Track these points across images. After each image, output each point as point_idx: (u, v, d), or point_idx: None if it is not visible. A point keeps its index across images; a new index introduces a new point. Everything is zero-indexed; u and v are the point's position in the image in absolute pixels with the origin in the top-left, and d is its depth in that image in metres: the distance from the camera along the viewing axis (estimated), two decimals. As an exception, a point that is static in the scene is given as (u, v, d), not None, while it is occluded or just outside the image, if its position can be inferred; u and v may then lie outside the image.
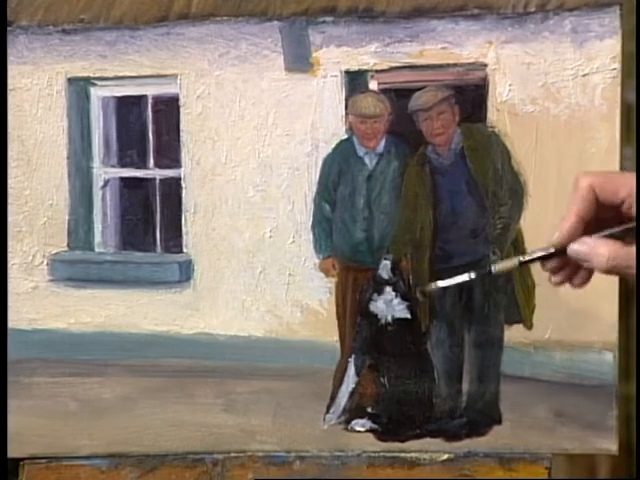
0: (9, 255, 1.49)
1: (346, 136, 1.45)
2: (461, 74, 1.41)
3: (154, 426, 1.48)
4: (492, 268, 1.15)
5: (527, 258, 1.15)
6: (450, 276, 1.45)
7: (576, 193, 1.12)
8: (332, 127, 1.44)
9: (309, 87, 1.44)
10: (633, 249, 1.09)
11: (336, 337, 1.46)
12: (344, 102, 1.44)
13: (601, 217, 1.13)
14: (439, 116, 1.42)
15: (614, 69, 1.37)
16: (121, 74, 1.47)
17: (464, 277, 1.15)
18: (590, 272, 1.15)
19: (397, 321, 1.45)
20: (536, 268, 1.42)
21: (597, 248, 1.11)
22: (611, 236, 1.11)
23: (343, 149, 1.45)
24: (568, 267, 1.15)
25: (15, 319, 1.49)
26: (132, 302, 1.49)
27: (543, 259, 1.15)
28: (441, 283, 1.17)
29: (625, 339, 1.39)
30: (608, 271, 1.11)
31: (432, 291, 1.24)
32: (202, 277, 1.48)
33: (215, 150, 1.46)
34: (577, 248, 1.12)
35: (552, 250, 1.14)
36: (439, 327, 1.45)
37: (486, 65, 1.40)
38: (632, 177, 1.13)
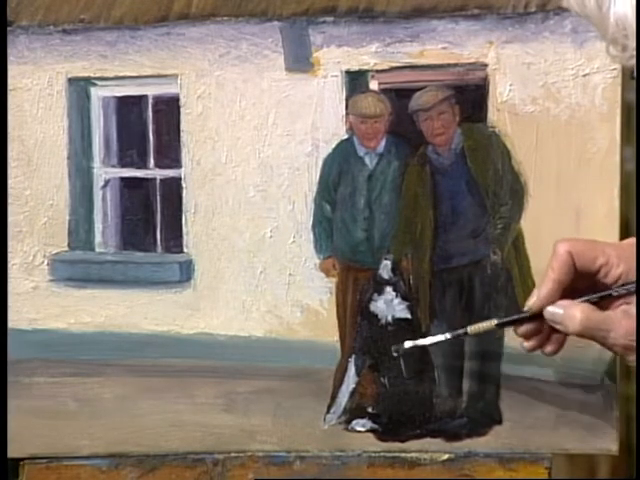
0: (9, 255, 1.49)
1: (346, 136, 1.45)
2: (461, 74, 1.41)
3: (154, 426, 1.48)
4: (468, 329, 1.18)
5: (503, 320, 1.18)
6: (450, 276, 1.46)
7: (554, 259, 1.15)
8: (332, 127, 1.44)
9: (309, 87, 1.44)
10: (606, 314, 1.13)
11: (336, 337, 1.46)
12: (344, 102, 1.44)
13: (576, 286, 1.16)
14: (439, 116, 1.42)
15: (614, 69, 1.37)
16: (121, 74, 1.47)
17: (439, 338, 1.19)
18: (563, 340, 1.18)
19: (397, 321, 1.45)
20: (536, 267, 1.43)
21: (571, 311, 1.14)
22: (587, 302, 1.14)
23: (343, 149, 1.45)
24: (541, 333, 1.18)
25: (15, 319, 1.49)
26: (132, 302, 1.49)
27: (519, 322, 1.18)
28: (420, 342, 1.20)
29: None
30: (580, 334, 1.14)
31: (407, 351, 1.26)
32: (202, 277, 1.48)
33: (215, 150, 1.46)
34: (553, 310, 1.15)
35: (528, 314, 1.16)
36: (439, 327, 1.45)
37: (486, 65, 1.40)
38: (611, 246, 1.15)
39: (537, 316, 1.16)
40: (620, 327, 1.12)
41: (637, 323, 1.12)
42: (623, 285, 1.13)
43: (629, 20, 0.97)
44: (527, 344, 1.18)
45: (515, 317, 1.17)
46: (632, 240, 1.19)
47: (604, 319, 1.12)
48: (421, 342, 1.23)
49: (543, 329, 1.17)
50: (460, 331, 1.20)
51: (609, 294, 1.14)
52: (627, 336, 1.11)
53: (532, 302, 1.15)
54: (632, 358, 1.13)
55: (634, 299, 1.13)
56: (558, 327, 1.14)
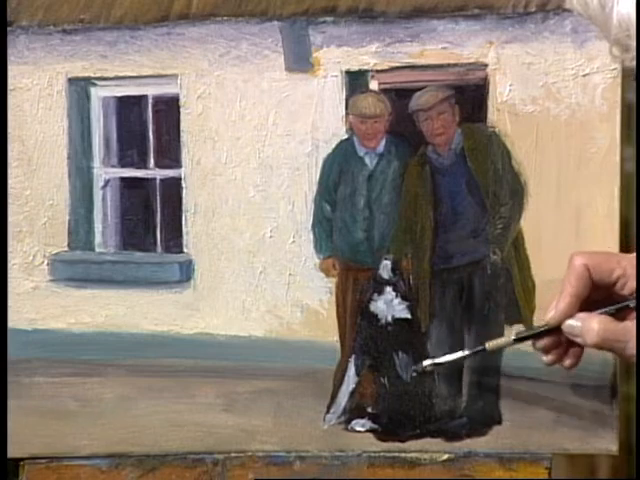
0: (9, 255, 1.49)
1: (346, 136, 1.45)
2: (461, 74, 1.41)
3: (154, 426, 1.48)
4: (486, 346, 1.18)
5: (521, 335, 1.18)
6: (450, 276, 1.46)
7: (571, 272, 1.15)
8: (332, 127, 1.44)
9: (309, 87, 1.44)
10: (623, 325, 1.13)
11: (336, 337, 1.46)
12: (344, 102, 1.44)
13: (592, 297, 1.16)
14: (439, 116, 1.42)
15: (614, 69, 1.37)
16: (121, 74, 1.47)
17: (458, 354, 1.19)
18: (580, 353, 1.18)
19: (397, 321, 1.45)
20: (536, 267, 1.43)
21: (589, 323, 1.14)
22: (604, 314, 1.15)
23: (343, 149, 1.45)
24: (560, 347, 1.18)
25: (15, 319, 1.49)
26: (132, 302, 1.49)
27: (537, 336, 1.18)
28: (438, 360, 1.20)
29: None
30: (598, 345, 1.14)
31: (425, 369, 1.26)
32: (202, 277, 1.48)
33: (215, 150, 1.46)
34: (572, 324, 1.15)
35: (547, 327, 1.17)
36: (439, 327, 1.45)
37: (486, 65, 1.40)
38: (626, 257, 1.16)
39: (555, 329, 1.16)
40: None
41: (637, 322, 1.12)
42: None
43: (632, 21, 0.97)
44: (546, 358, 1.18)
45: (534, 331, 1.17)
46: None
47: (622, 330, 1.12)
48: (439, 360, 1.23)
49: (561, 342, 1.17)
50: (478, 348, 1.21)
51: (626, 305, 1.14)
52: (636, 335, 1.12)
53: (550, 316, 1.15)
54: None
55: None
56: (577, 340, 1.14)
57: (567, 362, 1.18)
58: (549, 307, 1.16)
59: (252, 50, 1.44)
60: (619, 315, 1.14)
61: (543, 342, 1.17)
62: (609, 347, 1.13)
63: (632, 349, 1.12)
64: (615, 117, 1.38)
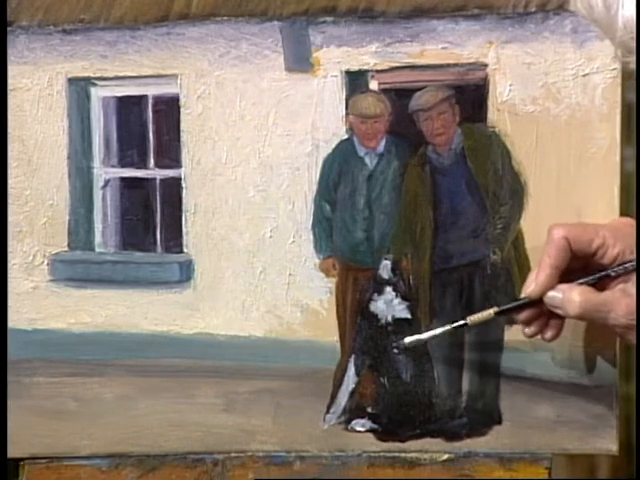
0: (9, 255, 1.49)
1: (346, 136, 1.45)
2: (461, 74, 1.41)
3: (154, 426, 1.48)
4: (468, 320, 1.19)
5: (502, 308, 1.19)
6: (450, 276, 1.46)
7: (550, 244, 1.16)
8: (332, 127, 1.44)
9: (309, 87, 1.44)
10: (604, 295, 1.14)
11: (336, 337, 1.46)
12: (344, 102, 1.44)
13: (571, 268, 1.16)
14: (439, 116, 1.42)
15: (614, 69, 1.37)
16: (121, 74, 1.47)
17: (440, 330, 1.20)
18: (561, 324, 1.19)
19: (397, 321, 1.45)
20: (536, 267, 1.42)
21: (570, 294, 1.14)
22: (585, 284, 1.15)
23: (343, 149, 1.45)
24: (540, 319, 1.19)
25: (15, 319, 1.49)
26: (132, 302, 1.49)
27: (518, 309, 1.18)
28: (421, 336, 1.21)
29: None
30: (579, 316, 1.14)
31: (408, 346, 1.27)
32: (202, 277, 1.48)
33: (215, 150, 1.46)
34: (553, 295, 1.16)
35: (527, 300, 1.17)
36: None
37: (486, 65, 1.40)
38: (605, 227, 1.16)
39: (536, 302, 1.16)
40: (619, 307, 1.12)
41: (637, 323, 1.12)
42: (621, 264, 1.14)
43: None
44: (527, 330, 1.19)
45: (514, 304, 1.18)
46: (626, 220, 1.19)
47: (603, 300, 1.13)
48: (422, 336, 1.24)
49: (542, 314, 1.17)
50: (460, 322, 1.21)
51: (607, 274, 1.14)
52: (627, 315, 1.12)
53: (531, 289, 1.16)
54: (632, 337, 1.14)
55: (632, 277, 1.13)
56: (558, 311, 1.15)
57: (548, 334, 1.19)
58: (528, 280, 1.17)
59: (252, 50, 1.44)
60: (599, 285, 1.15)
61: (524, 314, 1.18)
62: (590, 317, 1.14)
63: (613, 319, 1.12)
64: (615, 117, 1.38)
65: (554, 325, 1.18)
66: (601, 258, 1.15)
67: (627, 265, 1.13)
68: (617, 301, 1.12)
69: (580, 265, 1.16)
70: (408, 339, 1.26)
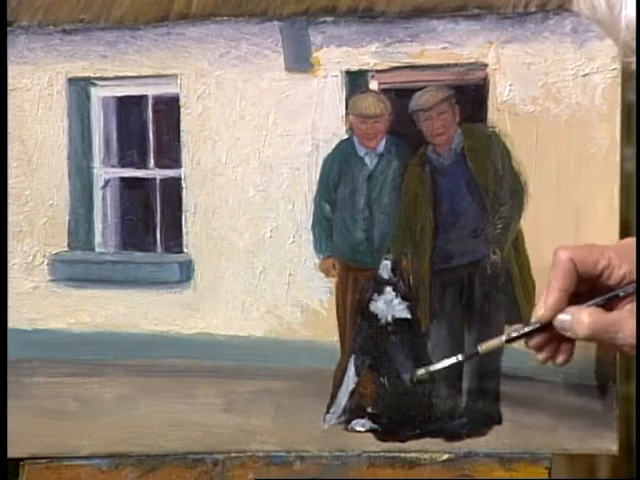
0: (9, 255, 1.49)
1: (346, 136, 1.45)
2: (461, 74, 1.41)
3: (154, 426, 1.48)
4: (479, 349, 1.19)
5: (513, 335, 1.19)
6: (450, 276, 1.46)
7: (557, 267, 1.15)
8: (332, 127, 1.44)
9: (309, 87, 1.44)
10: (612, 315, 1.13)
11: (336, 337, 1.46)
12: (344, 102, 1.44)
13: (579, 290, 1.16)
14: (439, 116, 1.42)
15: (614, 69, 1.37)
16: (121, 74, 1.47)
17: (452, 360, 1.20)
18: (572, 349, 1.18)
19: (397, 321, 1.45)
20: (536, 267, 1.43)
21: (578, 316, 1.14)
22: (593, 305, 1.15)
23: (343, 149, 1.45)
24: (551, 344, 1.18)
25: (15, 319, 1.49)
26: (132, 302, 1.49)
27: (529, 335, 1.18)
28: (432, 367, 1.21)
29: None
30: (588, 337, 1.14)
31: (420, 378, 1.27)
32: (202, 277, 1.48)
33: (215, 150, 1.46)
34: (562, 318, 1.15)
35: (538, 325, 1.17)
36: (439, 327, 1.45)
37: (486, 65, 1.40)
38: (610, 248, 1.16)
39: (546, 326, 1.16)
40: (627, 327, 1.12)
41: (637, 323, 1.12)
42: (629, 284, 1.14)
43: None
44: (540, 356, 1.19)
45: (525, 330, 1.17)
46: (631, 240, 1.19)
47: (612, 320, 1.12)
48: (433, 367, 1.24)
49: (553, 339, 1.17)
50: (472, 352, 1.21)
51: (616, 295, 1.14)
52: (635, 335, 1.12)
53: (541, 314, 1.15)
54: None
55: None
56: (568, 334, 1.15)
57: (559, 359, 1.19)
58: (537, 305, 1.17)
59: (252, 50, 1.44)
60: (608, 305, 1.15)
61: (535, 340, 1.18)
62: (599, 338, 1.14)
63: (621, 339, 1.12)
64: (615, 117, 1.38)
65: (565, 350, 1.18)
66: (607, 279, 1.15)
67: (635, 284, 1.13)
68: (625, 321, 1.12)
69: (587, 287, 1.16)
70: (420, 371, 1.26)
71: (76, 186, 1.50)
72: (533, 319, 1.17)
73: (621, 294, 1.14)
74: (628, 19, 0.97)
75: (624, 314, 1.13)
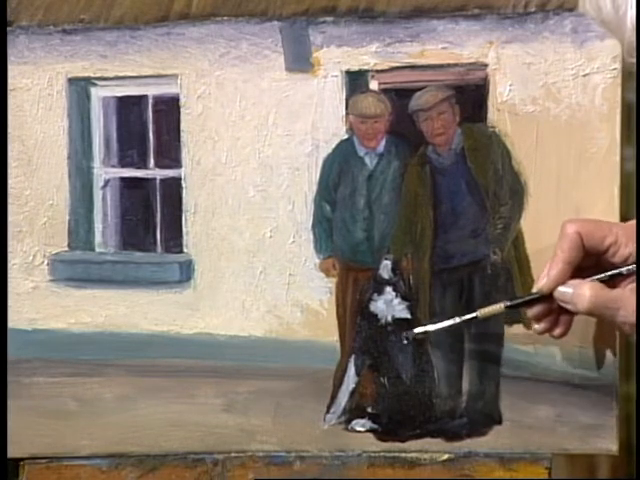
0: (9, 255, 1.49)
1: (346, 136, 1.45)
2: (462, 74, 1.41)
3: (154, 426, 1.48)
4: (478, 313, 1.19)
5: (513, 302, 1.19)
6: (450, 276, 1.46)
7: (563, 239, 1.15)
8: (332, 127, 1.44)
9: (309, 87, 1.44)
10: (615, 292, 1.14)
11: (336, 337, 1.46)
12: (344, 102, 1.44)
13: (583, 264, 1.16)
14: (439, 116, 1.42)
15: (614, 69, 1.37)
16: (122, 74, 1.47)
17: (449, 322, 1.20)
18: (570, 321, 1.18)
19: (397, 321, 1.45)
20: (536, 267, 1.43)
21: (580, 289, 1.14)
22: (597, 281, 1.15)
23: (343, 149, 1.45)
24: (551, 315, 1.18)
25: (15, 319, 1.49)
26: (132, 302, 1.49)
27: (529, 303, 1.18)
28: (430, 327, 1.21)
29: (625, 339, 1.40)
30: (589, 312, 1.14)
31: (417, 336, 1.27)
32: (202, 277, 1.48)
33: (215, 150, 1.46)
34: (563, 290, 1.16)
35: (538, 294, 1.17)
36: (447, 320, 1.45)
37: (487, 65, 1.40)
38: (618, 225, 1.16)
39: (547, 297, 1.16)
40: (629, 305, 1.12)
41: (637, 323, 1.12)
42: (634, 263, 1.14)
43: None
44: (538, 326, 1.19)
45: (526, 298, 1.17)
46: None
47: (613, 297, 1.12)
48: (431, 327, 1.24)
49: (552, 310, 1.17)
50: (470, 315, 1.21)
51: (619, 273, 1.14)
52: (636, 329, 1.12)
53: (542, 283, 1.16)
54: None
55: None
56: (568, 307, 1.15)
57: (557, 331, 1.19)
58: (541, 274, 1.17)
59: (252, 50, 1.44)
60: (610, 282, 1.15)
61: (535, 310, 1.18)
62: (599, 314, 1.14)
63: (623, 317, 1.12)
64: (615, 117, 1.38)
65: (563, 322, 1.18)
66: (612, 256, 1.15)
67: None
68: (627, 299, 1.12)
69: (591, 263, 1.16)
70: (417, 330, 1.26)
71: (76, 186, 1.50)
72: (534, 289, 1.17)
73: (624, 272, 1.14)
74: (634, 19, 0.97)
75: (626, 292, 1.13)
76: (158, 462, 1.47)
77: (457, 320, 1.22)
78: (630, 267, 1.14)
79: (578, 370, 1.42)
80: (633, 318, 1.12)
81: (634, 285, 1.13)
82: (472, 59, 1.41)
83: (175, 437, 1.48)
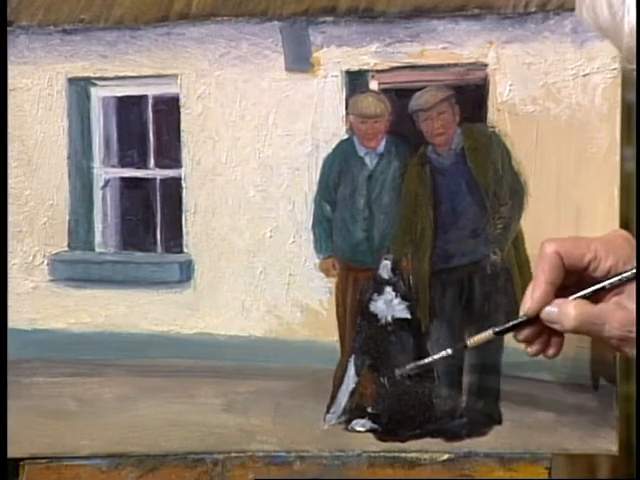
0: (9, 255, 1.49)
1: (346, 136, 1.45)
2: (462, 74, 1.41)
3: (154, 426, 1.48)
4: (468, 342, 1.19)
5: (501, 328, 1.19)
6: (450, 276, 1.46)
7: (543, 260, 1.16)
8: (332, 127, 1.44)
9: (309, 87, 1.44)
10: (599, 308, 1.14)
11: (336, 337, 1.46)
12: (344, 102, 1.44)
13: (565, 283, 1.16)
14: (439, 116, 1.43)
15: (614, 69, 1.37)
16: (122, 74, 1.47)
17: (441, 354, 1.20)
18: (562, 342, 1.19)
19: (397, 321, 1.45)
20: (536, 267, 1.42)
21: (565, 308, 1.14)
22: (580, 298, 1.15)
23: (343, 149, 1.45)
24: (541, 337, 1.18)
25: (15, 319, 1.49)
26: (132, 302, 1.49)
27: (517, 327, 1.18)
28: (421, 362, 1.21)
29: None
30: (575, 330, 1.15)
31: (410, 372, 1.28)
32: (202, 277, 1.48)
33: (215, 150, 1.47)
34: (549, 310, 1.15)
35: (525, 318, 1.17)
36: (439, 327, 1.45)
37: (486, 65, 1.40)
38: (595, 240, 1.16)
39: (534, 319, 1.16)
40: (614, 319, 1.12)
41: (637, 323, 1.12)
42: (615, 276, 1.14)
43: None
44: (530, 350, 1.19)
45: (513, 323, 1.18)
46: (617, 232, 1.19)
47: (598, 313, 1.13)
48: (422, 362, 1.24)
49: (543, 332, 1.17)
50: (460, 345, 1.22)
51: (602, 287, 1.14)
52: (622, 327, 1.12)
53: (528, 306, 1.16)
54: (628, 349, 1.14)
55: (627, 289, 1.13)
56: (555, 326, 1.15)
57: (550, 351, 1.19)
58: (524, 298, 1.17)
59: (252, 50, 1.44)
60: (594, 298, 1.15)
61: (524, 333, 1.18)
62: (587, 330, 1.14)
63: (608, 331, 1.12)
64: (615, 117, 1.38)
65: (555, 343, 1.19)
66: (594, 271, 1.15)
67: (622, 276, 1.13)
68: (611, 313, 1.12)
69: (573, 280, 1.16)
70: (409, 366, 1.26)
71: (76, 186, 1.51)
72: (521, 312, 1.17)
73: (607, 286, 1.14)
74: (631, 25, 0.97)
75: (610, 306, 1.13)
76: (158, 462, 1.47)
77: (449, 352, 1.22)
78: (613, 280, 1.14)
79: (578, 370, 1.42)
80: (617, 332, 1.12)
81: (617, 298, 1.14)
82: (472, 59, 1.41)
83: (175, 437, 1.48)
